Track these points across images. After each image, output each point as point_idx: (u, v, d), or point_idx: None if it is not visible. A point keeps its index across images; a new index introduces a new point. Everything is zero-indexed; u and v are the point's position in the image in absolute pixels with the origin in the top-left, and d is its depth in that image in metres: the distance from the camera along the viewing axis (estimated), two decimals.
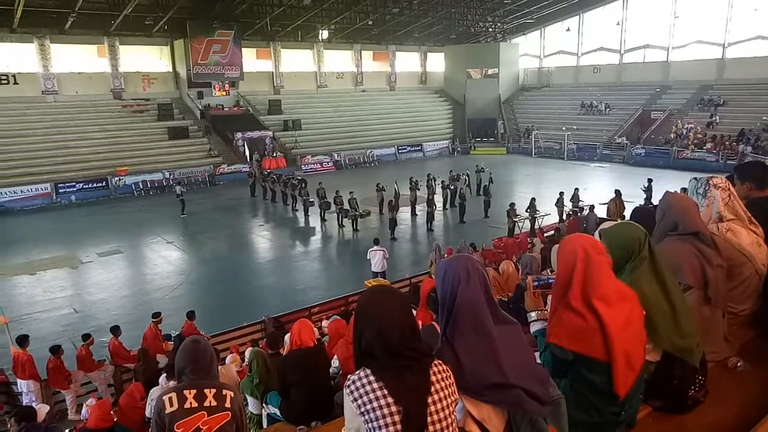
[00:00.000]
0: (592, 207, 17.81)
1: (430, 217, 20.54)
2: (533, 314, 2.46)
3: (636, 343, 2.16)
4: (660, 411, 2.56)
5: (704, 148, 32.34)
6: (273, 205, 25.83)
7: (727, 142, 31.73)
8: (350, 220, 20.45)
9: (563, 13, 44.20)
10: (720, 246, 2.89)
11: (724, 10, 36.76)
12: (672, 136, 34.71)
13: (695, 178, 3.35)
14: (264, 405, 5.12)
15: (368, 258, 14.71)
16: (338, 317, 8.28)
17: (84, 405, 7.90)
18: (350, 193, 20.76)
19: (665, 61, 40.50)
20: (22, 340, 9.13)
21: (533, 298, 2.47)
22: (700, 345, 2.54)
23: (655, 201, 15.46)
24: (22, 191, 26.48)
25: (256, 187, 27.75)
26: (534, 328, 2.46)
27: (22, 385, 8.99)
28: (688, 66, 38.67)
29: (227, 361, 8.05)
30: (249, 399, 5.36)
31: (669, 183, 17.24)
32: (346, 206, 20.59)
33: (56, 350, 9.22)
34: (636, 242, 2.39)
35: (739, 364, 2.87)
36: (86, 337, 9.71)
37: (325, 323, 8.91)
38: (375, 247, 14.65)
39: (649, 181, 20.48)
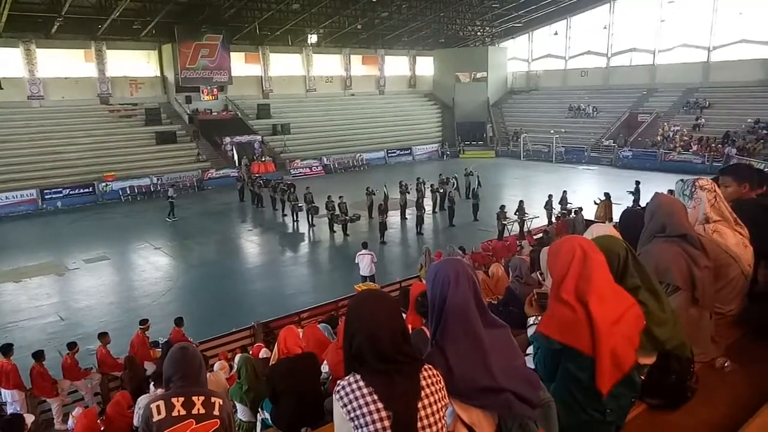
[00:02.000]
0: (580, 209, 17.93)
1: (419, 220, 20.58)
2: (531, 319, 2.49)
3: (625, 343, 2.16)
4: (657, 409, 2.58)
5: (690, 150, 32.71)
6: (261, 210, 25.72)
7: (712, 144, 32.12)
8: (340, 225, 20.41)
9: (551, 17, 44.56)
10: (707, 247, 2.91)
11: (709, 14, 37.28)
12: (659, 138, 35.08)
13: (682, 180, 3.38)
14: (260, 410, 5.08)
15: (356, 262, 14.70)
16: (326, 324, 8.23)
17: (71, 415, 7.78)
18: (340, 197, 20.72)
19: (651, 65, 40.98)
20: (6, 350, 8.97)
21: (530, 306, 2.52)
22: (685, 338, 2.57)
23: (642, 203, 15.62)
24: (7, 197, 26.14)
25: (244, 191, 27.63)
26: (531, 331, 2.48)
27: (6, 394, 8.84)
28: (674, 69, 39.13)
29: (216, 368, 7.97)
30: (238, 406, 5.31)
31: (656, 185, 17.35)
32: (337, 211, 20.54)
33: (39, 356, 9.08)
34: (614, 258, 2.35)
35: (726, 365, 2.89)
36: (72, 345, 9.57)
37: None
38: (363, 251, 14.64)
39: (637, 183, 20.67)
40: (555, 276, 2.23)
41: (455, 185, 23.90)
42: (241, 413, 5.32)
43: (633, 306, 2.21)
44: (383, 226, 19.55)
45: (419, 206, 20.70)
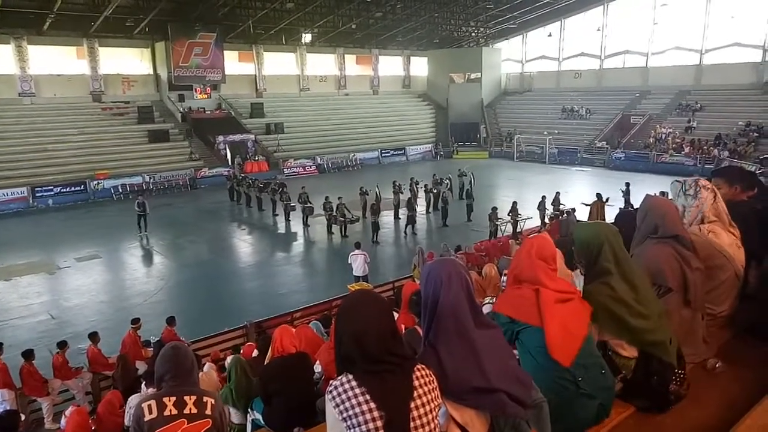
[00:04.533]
0: (572, 210, 18.00)
1: (411, 220, 20.54)
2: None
3: (573, 317, 2.32)
4: (644, 411, 2.58)
5: (682, 152, 32.91)
6: (248, 210, 25.58)
7: (704, 147, 32.33)
8: (339, 226, 20.31)
9: (545, 18, 44.70)
10: (700, 247, 2.92)
11: (701, 17, 37.52)
12: (651, 140, 35.26)
13: (678, 180, 3.39)
14: (249, 410, 5.06)
15: (349, 262, 14.66)
16: (317, 322, 8.22)
17: (63, 414, 7.71)
18: (339, 198, 20.51)
19: (644, 67, 41.18)
20: None
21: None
22: (673, 340, 2.57)
23: (634, 204, 15.69)
24: None
25: (233, 191, 27.49)
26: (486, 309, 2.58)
27: None
28: (667, 72, 39.33)
29: (205, 369, 7.92)
30: (230, 408, 5.27)
31: (648, 187, 17.46)
32: (335, 212, 20.41)
33: (28, 355, 9.00)
34: (585, 245, 2.61)
35: (717, 365, 2.90)
36: (62, 344, 9.49)
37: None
38: (356, 251, 14.60)
39: (627, 185, 20.82)
40: (510, 268, 2.53)
41: (449, 186, 23.94)
42: (233, 415, 5.28)
43: (576, 295, 2.42)
44: (376, 227, 19.53)
45: (412, 206, 20.68)
